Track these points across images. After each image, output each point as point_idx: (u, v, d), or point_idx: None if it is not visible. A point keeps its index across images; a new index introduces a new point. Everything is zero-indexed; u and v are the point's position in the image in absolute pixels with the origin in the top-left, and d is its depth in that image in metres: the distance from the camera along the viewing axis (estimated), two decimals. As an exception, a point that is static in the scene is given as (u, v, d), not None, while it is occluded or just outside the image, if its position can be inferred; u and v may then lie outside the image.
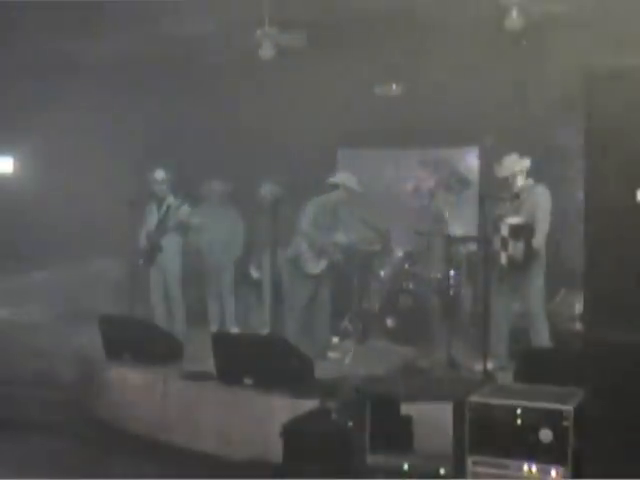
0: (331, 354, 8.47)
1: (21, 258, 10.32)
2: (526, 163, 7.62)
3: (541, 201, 7.52)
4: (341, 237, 8.46)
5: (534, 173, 7.68)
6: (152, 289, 9.38)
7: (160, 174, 9.30)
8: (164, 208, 9.30)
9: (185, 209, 9.27)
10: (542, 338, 7.51)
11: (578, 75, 4.44)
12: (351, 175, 8.50)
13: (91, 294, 10.60)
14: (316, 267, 8.36)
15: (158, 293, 9.35)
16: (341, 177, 8.48)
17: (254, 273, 10.06)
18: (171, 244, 9.29)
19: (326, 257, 8.35)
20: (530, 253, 7.32)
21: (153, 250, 9.25)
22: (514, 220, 7.39)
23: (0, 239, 10.25)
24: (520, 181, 7.58)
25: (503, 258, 7.39)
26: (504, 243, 7.35)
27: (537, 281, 7.53)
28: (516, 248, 7.27)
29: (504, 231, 7.33)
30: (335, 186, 8.37)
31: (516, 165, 7.58)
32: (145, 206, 9.41)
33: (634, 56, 4.37)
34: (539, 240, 7.39)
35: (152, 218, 9.36)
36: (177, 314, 9.33)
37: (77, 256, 10.50)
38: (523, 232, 7.31)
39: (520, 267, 7.38)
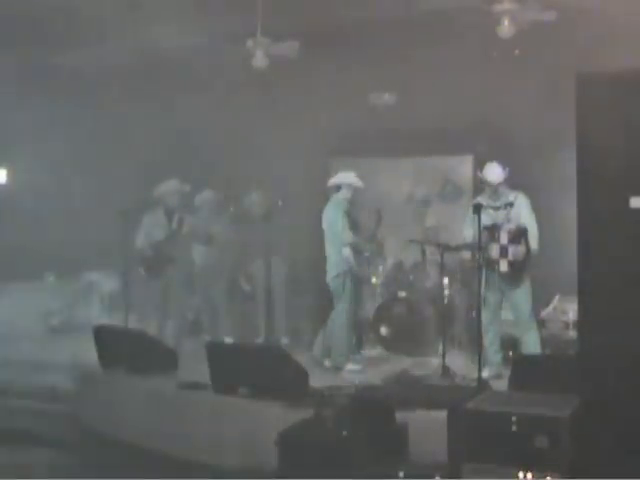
0: (327, 363, 8.41)
1: (16, 268, 10.28)
2: (505, 172, 7.64)
3: (526, 207, 7.62)
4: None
5: (518, 181, 7.73)
6: (149, 299, 9.32)
7: (174, 184, 9.20)
8: (176, 219, 9.18)
9: (202, 220, 9.22)
10: (533, 345, 7.53)
11: (570, 80, 4.45)
12: (349, 172, 8.41)
13: (85, 305, 10.56)
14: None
15: (155, 303, 9.30)
16: (340, 177, 8.39)
17: (244, 285, 10.02)
18: (185, 255, 9.22)
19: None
20: (528, 254, 7.42)
21: (162, 261, 9.12)
22: (510, 226, 7.50)
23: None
24: (502, 188, 7.63)
25: (503, 265, 7.43)
26: (503, 251, 7.42)
27: (526, 288, 7.57)
28: (517, 251, 7.40)
29: (503, 239, 7.42)
30: (338, 187, 8.33)
31: (497, 174, 7.61)
32: (143, 216, 9.33)
33: (626, 60, 4.39)
34: (535, 242, 7.49)
35: (158, 228, 9.23)
36: (174, 324, 9.28)
37: (71, 266, 10.46)
38: (521, 235, 7.45)
39: (520, 270, 7.45)
